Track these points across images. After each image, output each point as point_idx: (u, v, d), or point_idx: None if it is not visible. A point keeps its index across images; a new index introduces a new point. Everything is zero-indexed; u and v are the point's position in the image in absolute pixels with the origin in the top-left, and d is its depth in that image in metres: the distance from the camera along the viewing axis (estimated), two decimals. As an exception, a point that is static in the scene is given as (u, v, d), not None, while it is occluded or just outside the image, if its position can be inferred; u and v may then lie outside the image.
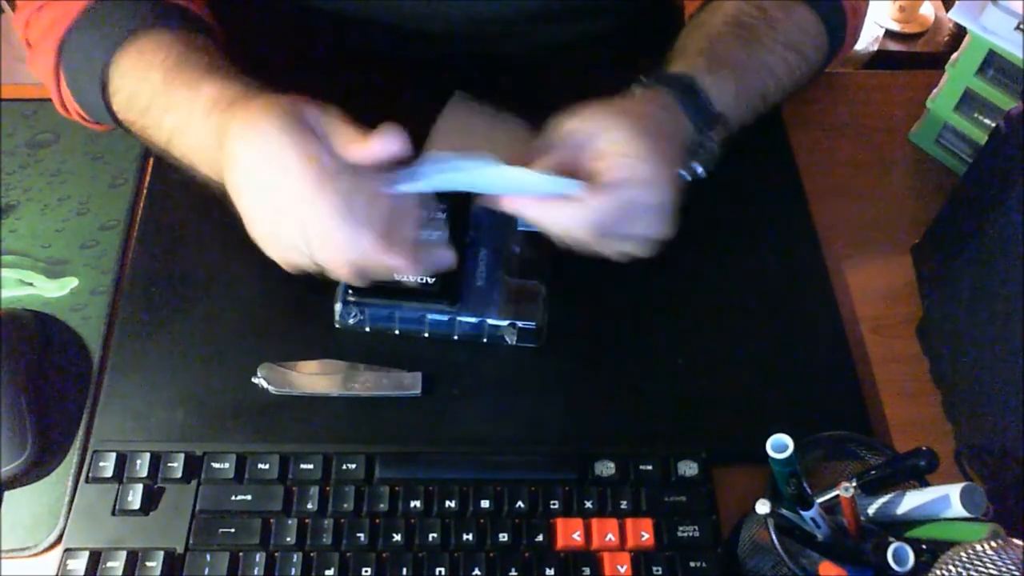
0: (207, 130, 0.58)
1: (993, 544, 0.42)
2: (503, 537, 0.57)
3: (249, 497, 0.57)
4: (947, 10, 1.50)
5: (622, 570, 0.56)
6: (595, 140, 0.57)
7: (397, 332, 0.65)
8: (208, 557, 0.55)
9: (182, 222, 0.71)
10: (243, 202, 0.55)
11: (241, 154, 0.54)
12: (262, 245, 0.57)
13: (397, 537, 0.56)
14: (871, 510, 0.52)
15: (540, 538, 0.57)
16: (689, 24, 0.71)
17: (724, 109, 0.63)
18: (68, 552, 0.55)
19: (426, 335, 0.65)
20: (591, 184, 0.56)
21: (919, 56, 1.56)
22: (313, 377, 0.63)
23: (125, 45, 0.63)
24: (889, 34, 1.57)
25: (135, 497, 0.57)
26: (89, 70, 0.64)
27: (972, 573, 0.42)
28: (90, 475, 0.58)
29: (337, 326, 0.65)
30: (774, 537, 0.48)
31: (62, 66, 0.65)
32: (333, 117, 0.55)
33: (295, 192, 0.52)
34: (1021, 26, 0.68)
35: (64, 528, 0.57)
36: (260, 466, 0.58)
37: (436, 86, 0.80)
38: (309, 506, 0.57)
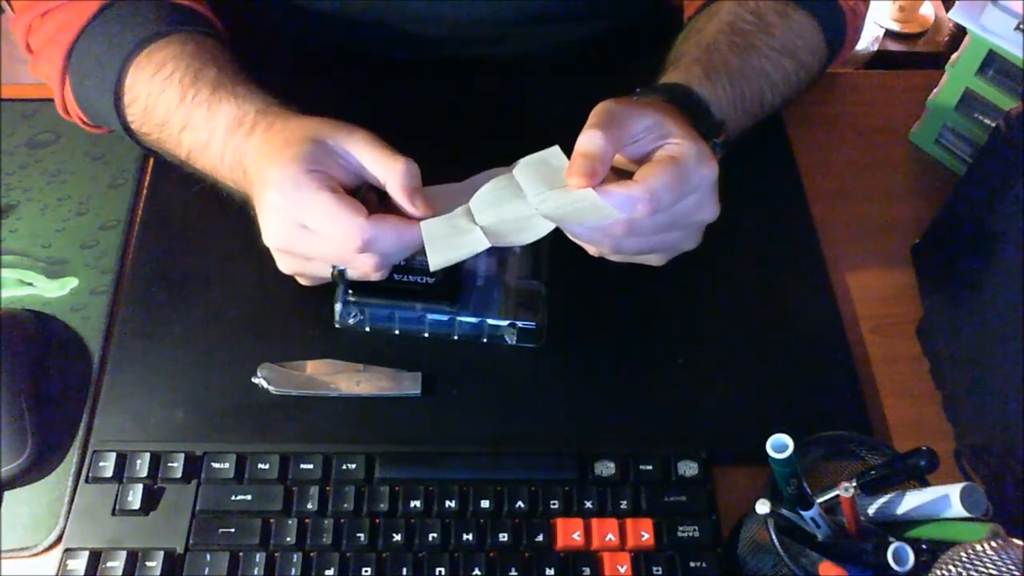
0: (229, 153, 0.60)
1: (993, 544, 0.42)
2: (503, 537, 0.57)
3: (249, 497, 0.57)
4: (947, 10, 1.50)
5: (622, 570, 0.56)
6: (631, 126, 0.56)
7: (397, 332, 0.65)
8: (208, 557, 0.55)
9: (182, 222, 0.71)
10: (269, 243, 0.59)
11: (266, 205, 0.56)
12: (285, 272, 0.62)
13: (397, 537, 0.56)
14: (871, 510, 0.52)
15: (540, 538, 0.57)
16: (685, 30, 0.71)
17: (723, 117, 0.63)
18: (68, 552, 0.55)
19: (426, 335, 0.65)
20: (645, 163, 0.56)
21: (919, 56, 1.56)
22: (313, 377, 0.63)
23: (136, 56, 0.63)
24: (889, 34, 1.57)
25: (135, 497, 0.57)
26: (100, 80, 0.64)
27: (972, 573, 0.42)
28: (90, 475, 0.58)
29: (337, 326, 0.65)
30: (774, 537, 0.48)
31: (69, 73, 0.65)
32: (358, 141, 0.57)
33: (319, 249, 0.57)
34: (1021, 26, 0.68)
35: (64, 528, 0.56)
36: (260, 466, 0.58)
37: (435, 88, 0.81)
38: (309, 506, 0.57)
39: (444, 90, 0.80)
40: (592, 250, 0.59)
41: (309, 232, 0.56)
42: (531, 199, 0.56)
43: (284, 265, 0.60)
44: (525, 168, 0.58)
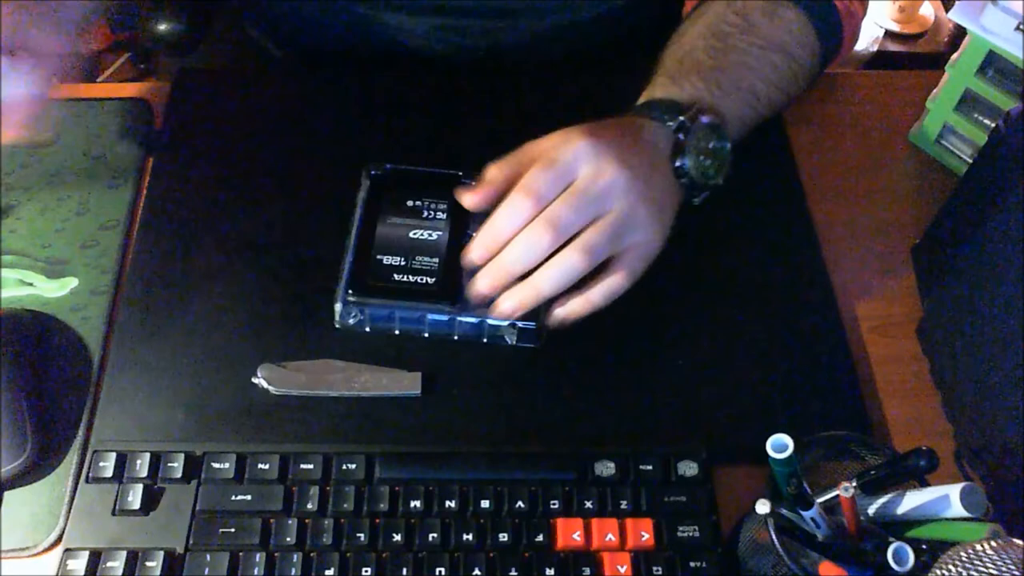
0: None
1: (993, 544, 0.42)
2: (503, 537, 0.57)
3: (249, 497, 0.57)
4: (947, 10, 1.50)
5: (622, 570, 0.56)
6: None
7: (397, 332, 0.65)
8: (208, 557, 0.55)
9: (182, 222, 0.71)
10: None
11: None
12: None
13: (397, 537, 0.56)
14: (871, 510, 0.52)
15: (540, 538, 0.57)
16: (671, 38, 0.71)
17: (693, 102, 0.63)
18: (68, 552, 0.55)
19: (426, 335, 0.65)
20: None
21: (919, 56, 1.56)
22: (313, 377, 0.63)
23: None
24: (889, 34, 1.57)
25: (135, 497, 0.57)
26: None
27: (972, 573, 0.42)
28: (90, 475, 0.58)
29: (337, 326, 0.65)
30: (774, 537, 0.48)
31: None
32: None
33: None
34: (1021, 26, 0.68)
35: (64, 528, 0.56)
36: (260, 466, 0.58)
37: (435, 87, 0.81)
38: (309, 506, 0.57)
39: (444, 89, 0.80)
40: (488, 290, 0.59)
41: None
42: None
43: None
44: None
